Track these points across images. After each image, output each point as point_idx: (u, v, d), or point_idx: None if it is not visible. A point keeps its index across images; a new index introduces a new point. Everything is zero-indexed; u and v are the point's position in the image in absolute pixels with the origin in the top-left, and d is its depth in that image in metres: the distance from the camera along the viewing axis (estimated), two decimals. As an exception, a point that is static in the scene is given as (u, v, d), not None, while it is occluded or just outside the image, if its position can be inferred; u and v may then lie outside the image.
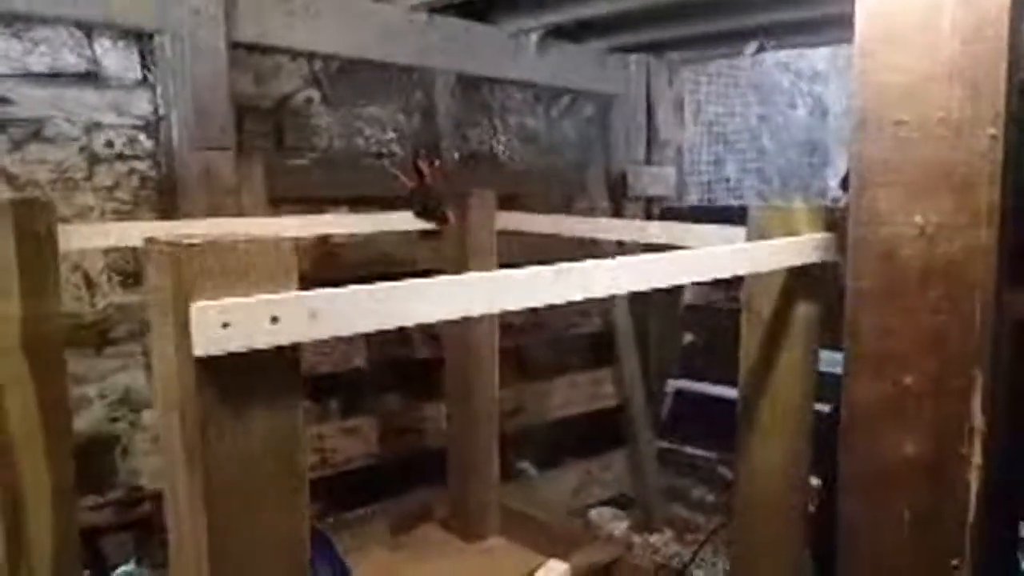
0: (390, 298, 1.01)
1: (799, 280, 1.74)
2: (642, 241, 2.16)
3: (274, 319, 0.94)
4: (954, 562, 1.45)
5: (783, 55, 4.97)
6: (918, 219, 1.46)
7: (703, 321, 4.14)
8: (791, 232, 1.71)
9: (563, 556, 2.34)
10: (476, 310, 1.08)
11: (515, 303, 1.10)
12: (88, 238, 1.94)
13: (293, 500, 1.02)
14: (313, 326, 0.97)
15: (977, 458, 1.42)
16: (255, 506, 0.99)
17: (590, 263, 1.23)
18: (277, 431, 0.99)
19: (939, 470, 1.46)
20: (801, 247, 1.68)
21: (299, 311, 0.96)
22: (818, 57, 5.40)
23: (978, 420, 1.42)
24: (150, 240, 0.97)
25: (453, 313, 1.06)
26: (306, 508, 1.04)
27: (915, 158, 1.46)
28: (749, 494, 1.86)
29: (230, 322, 0.91)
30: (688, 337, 4.09)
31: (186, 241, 0.93)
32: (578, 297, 1.17)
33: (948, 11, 1.40)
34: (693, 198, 4.56)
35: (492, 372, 2.62)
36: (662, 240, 2.10)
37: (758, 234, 1.75)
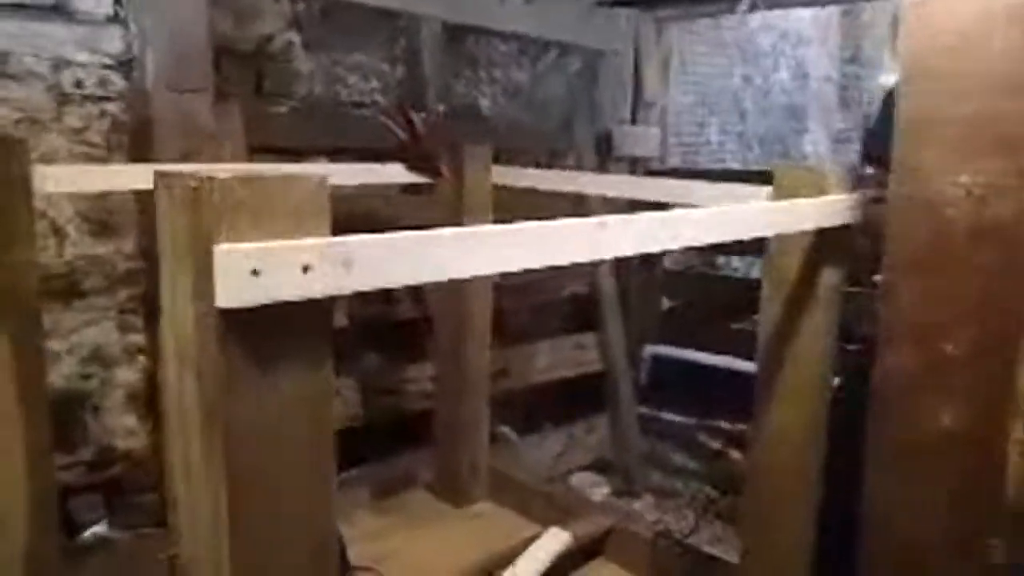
0: (434, 247, 0.90)
1: (824, 243, 1.68)
2: (650, 199, 2.06)
3: (306, 268, 0.83)
4: (991, 542, 1.40)
5: (768, 16, 4.86)
6: (964, 179, 1.39)
7: (682, 286, 4.09)
8: (818, 194, 1.63)
9: (555, 522, 2.26)
10: (525, 264, 0.97)
11: (566, 257, 1.00)
12: (66, 181, 1.80)
13: (321, 466, 0.92)
14: (348, 276, 0.86)
15: (1019, 432, 1.36)
16: (281, 473, 0.88)
17: (641, 216, 1.14)
18: (306, 392, 0.88)
19: (978, 443, 1.40)
20: (831, 208, 1.61)
21: (334, 259, 0.85)
22: (802, 19, 5.28)
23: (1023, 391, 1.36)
24: (163, 174, 0.85)
25: (501, 266, 0.96)
26: (334, 476, 0.94)
27: (964, 115, 1.39)
28: (765, 458, 1.82)
29: (260, 269, 0.80)
30: (666, 302, 4.04)
31: (207, 174, 0.81)
32: (629, 252, 1.08)
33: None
34: (675, 160, 4.46)
35: (484, 333, 2.52)
36: (668, 199, 2.01)
37: (783, 194, 1.67)
